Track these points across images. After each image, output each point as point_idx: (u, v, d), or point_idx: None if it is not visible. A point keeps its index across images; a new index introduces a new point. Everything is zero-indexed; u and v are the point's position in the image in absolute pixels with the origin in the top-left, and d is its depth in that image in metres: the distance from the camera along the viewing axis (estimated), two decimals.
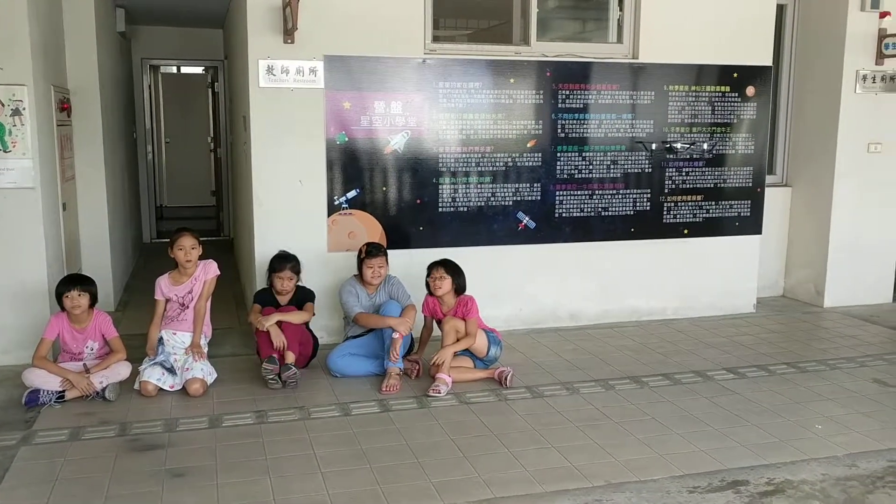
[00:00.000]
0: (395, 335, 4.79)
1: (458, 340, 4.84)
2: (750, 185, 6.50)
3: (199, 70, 12.14)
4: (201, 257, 4.92)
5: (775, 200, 7.03)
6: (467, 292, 5.07)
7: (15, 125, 4.96)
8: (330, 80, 5.43)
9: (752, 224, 6.56)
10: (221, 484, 3.51)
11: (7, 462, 3.72)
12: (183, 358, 4.71)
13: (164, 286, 4.84)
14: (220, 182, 10.58)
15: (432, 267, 5.01)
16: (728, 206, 6.47)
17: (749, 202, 6.52)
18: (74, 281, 4.64)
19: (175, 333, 4.79)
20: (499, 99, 5.80)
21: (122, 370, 4.60)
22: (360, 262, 5.03)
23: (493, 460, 3.79)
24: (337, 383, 4.86)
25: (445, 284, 4.93)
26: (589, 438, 4.05)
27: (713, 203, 6.42)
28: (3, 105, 4.91)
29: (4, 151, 4.95)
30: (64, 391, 4.44)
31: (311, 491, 3.45)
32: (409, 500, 3.39)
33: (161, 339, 4.75)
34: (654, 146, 6.06)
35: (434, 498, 3.41)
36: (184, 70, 12.53)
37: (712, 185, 6.40)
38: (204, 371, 4.67)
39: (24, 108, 4.95)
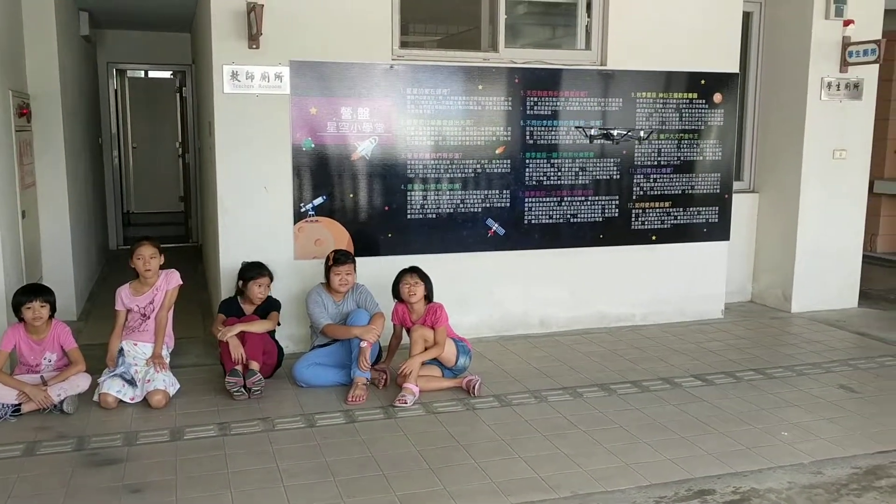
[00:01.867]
0: (364, 344, 4.73)
1: (426, 349, 4.79)
2: (718, 191, 6.52)
3: (167, 74, 12.00)
4: (164, 266, 4.83)
5: (743, 206, 7.06)
6: (436, 300, 5.04)
7: None
8: (296, 86, 5.37)
9: (719, 230, 6.58)
10: (180, 499, 3.43)
11: None
12: (144, 369, 4.61)
13: (125, 296, 4.75)
14: (188, 188, 10.45)
15: (404, 273, 4.96)
16: (696, 213, 6.49)
17: (717, 208, 6.54)
18: (35, 292, 4.51)
19: (136, 344, 4.69)
20: (467, 105, 5.77)
21: (80, 382, 4.50)
22: (328, 269, 4.97)
23: (459, 471, 3.74)
24: (302, 394, 4.79)
25: (419, 290, 4.89)
26: (556, 448, 4.02)
27: (681, 209, 6.44)
28: None
29: None
30: (20, 404, 4.33)
31: None
32: None
33: (121, 350, 4.65)
34: (593, 131, 6.02)
35: None
36: (151, 74, 12.38)
37: (680, 192, 6.41)
38: (166, 382, 4.58)
39: None
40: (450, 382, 4.88)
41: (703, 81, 6.33)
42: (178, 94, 10.65)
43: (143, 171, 11.92)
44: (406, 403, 4.55)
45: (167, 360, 4.74)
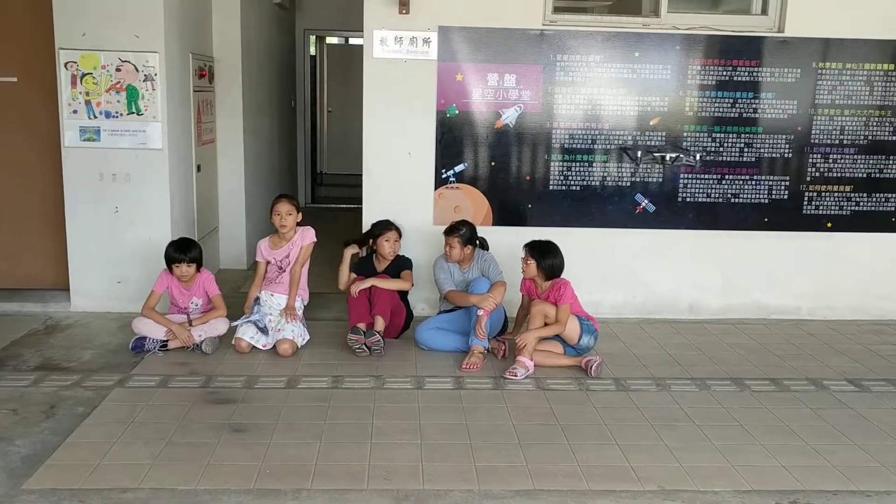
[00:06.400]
0: (480, 312, 4.71)
1: (545, 325, 4.68)
2: None
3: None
4: (301, 224, 5.07)
5: None
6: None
7: (148, 90, 5.32)
8: (443, 52, 5.38)
9: None
10: (273, 443, 3.62)
11: (98, 400, 4.05)
12: (277, 319, 4.88)
13: (264, 249, 5.04)
14: None
15: (524, 248, 4.87)
16: (883, 199, 5.77)
17: None
18: (183, 250, 4.85)
19: (273, 295, 4.98)
20: (621, 73, 5.49)
21: (219, 326, 4.85)
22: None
23: (548, 450, 3.63)
24: (422, 356, 4.86)
25: (530, 268, 4.79)
26: (660, 439, 3.79)
27: (865, 195, 5.75)
28: (137, 71, 5.28)
29: (138, 114, 5.33)
30: (167, 341, 4.75)
31: (352, 460, 3.47)
32: (444, 480, 3.33)
33: (258, 298, 4.95)
34: (640, 153, 5.56)
35: (471, 482, 3.33)
36: (352, 42, 12.92)
37: (865, 175, 5.73)
38: (294, 333, 4.82)
39: (155, 75, 5.30)
40: (569, 360, 4.74)
41: None
42: None
43: (337, 135, 12.50)
44: (516, 376, 4.47)
45: (300, 313, 4.98)
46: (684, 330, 5.55)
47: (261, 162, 7.65)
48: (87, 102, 5.29)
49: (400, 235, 5.13)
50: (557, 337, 4.75)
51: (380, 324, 4.85)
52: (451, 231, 4.98)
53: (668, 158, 5.55)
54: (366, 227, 5.49)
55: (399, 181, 5.56)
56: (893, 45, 5.56)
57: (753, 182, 5.69)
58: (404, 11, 5.30)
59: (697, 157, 5.58)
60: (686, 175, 5.65)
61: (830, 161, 5.70)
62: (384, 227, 5.09)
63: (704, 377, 4.64)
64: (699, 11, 5.77)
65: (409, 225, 5.41)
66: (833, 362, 4.96)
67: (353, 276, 5.07)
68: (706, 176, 5.66)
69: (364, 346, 4.76)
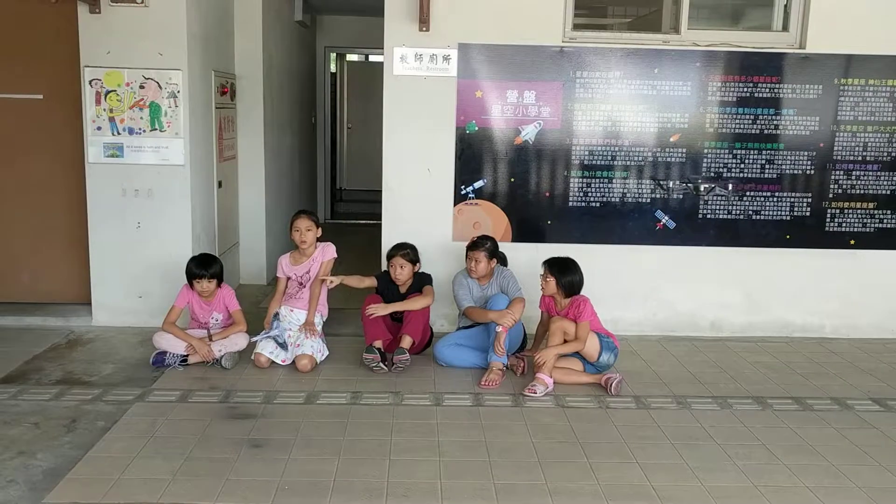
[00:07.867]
0: (499, 328, 4.69)
1: (565, 342, 4.65)
2: None
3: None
4: (321, 240, 5.09)
5: None
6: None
7: (171, 107, 5.37)
8: (463, 69, 5.40)
9: None
10: (292, 459, 3.61)
11: (119, 415, 4.06)
12: (296, 334, 4.89)
13: (285, 265, 5.06)
14: None
15: (543, 265, 4.86)
16: None
17: None
18: (204, 265, 4.89)
19: (292, 310, 4.99)
20: (640, 90, 5.49)
21: (239, 341, 4.87)
22: (466, 252, 5.00)
23: (567, 469, 3.60)
24: (441, 373, 4.85)
25: (549, 285, 4.77)
26: (681, 458, 3.74)
27: (888, 212, 5.69)
28: (160, 88, 5.33)
29: (160, 131, 5.38)
30: (187, 356, 4.77)
31: (371, 476, 3.46)
32: (463, 498, 3.30)
33: (277, 314, 4.96)
34: (671, 184, 5.59)
35: (490, 499, 3.30)
36: (372, 59, 13.00)
37: (888, 192, 5.68)
38: (314, 348, 4.83)
39: (178, 92, 5.35)
40: (589, 378, 4.70)
41: None
42: None
43: (357, 151, 12.58)
44: (535, 393, 4.45)
45: (319, 328, 4.99)
46: (706, 348, 5.50)
47: (281, 178, 7.70)
48: (111, 119, 5.35)
49: (413, 260, 5.06)
50: (577, 354, 4.73)
51: (407, 342, 4.84)
52: (475, 246, 4.97)
53: (702, 189, 5.52)
54: (387, 244, 5.50)
55: (418, 197, 5.57)
56: None
57: (775, 199, 5.65)
58: (424, 29, 5.33)
59: (730, 187, 5.55)
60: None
61: (853, 178, 5.65)
62: (396, 249, 5.07)
63: (726, 395, 4.59)
64: (719, 28, 5.78)
65: (429, 241, 5.42)
66: (857, 381, 4.89)
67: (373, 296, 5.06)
68: (728, 192, 5.63)
69: (381, 364, 4.75)
